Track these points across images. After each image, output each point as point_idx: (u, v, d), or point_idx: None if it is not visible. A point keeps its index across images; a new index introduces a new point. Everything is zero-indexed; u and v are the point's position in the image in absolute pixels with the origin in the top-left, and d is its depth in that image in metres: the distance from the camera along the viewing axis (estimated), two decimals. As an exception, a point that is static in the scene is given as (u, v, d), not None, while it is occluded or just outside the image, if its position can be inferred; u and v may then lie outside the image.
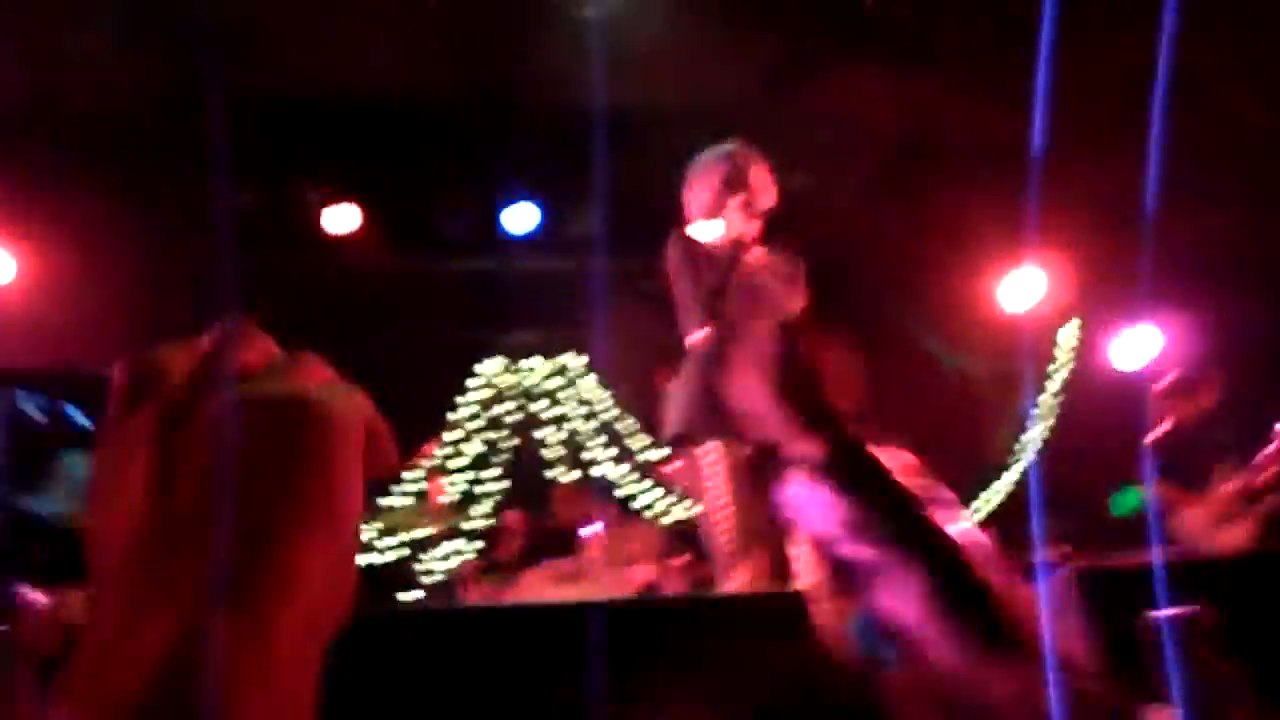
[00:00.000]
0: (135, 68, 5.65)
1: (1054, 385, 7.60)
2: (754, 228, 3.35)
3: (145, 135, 6.01)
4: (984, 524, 7.18)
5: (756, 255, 3.32)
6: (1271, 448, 4.91)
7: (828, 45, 6.18)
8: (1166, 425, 5.11)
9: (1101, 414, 6.50)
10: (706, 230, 3.34)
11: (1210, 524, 4.83)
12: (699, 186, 3.46)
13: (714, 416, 2.97)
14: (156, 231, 6.20)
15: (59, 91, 5.83)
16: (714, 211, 3.39)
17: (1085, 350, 7.55)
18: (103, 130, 5.92)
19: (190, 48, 5.53)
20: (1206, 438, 5.04)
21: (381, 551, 6.72)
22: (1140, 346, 6.87)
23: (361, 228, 6.82)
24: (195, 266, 6.21)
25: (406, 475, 6.34)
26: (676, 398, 3.20)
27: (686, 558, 5.03)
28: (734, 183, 3.36)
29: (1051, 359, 7.63)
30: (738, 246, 3.28)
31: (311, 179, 6.81)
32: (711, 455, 3.14)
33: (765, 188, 3.39)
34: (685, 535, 5.13)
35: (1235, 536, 4.74)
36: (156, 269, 6.17)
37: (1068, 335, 7.64)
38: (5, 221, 5.94)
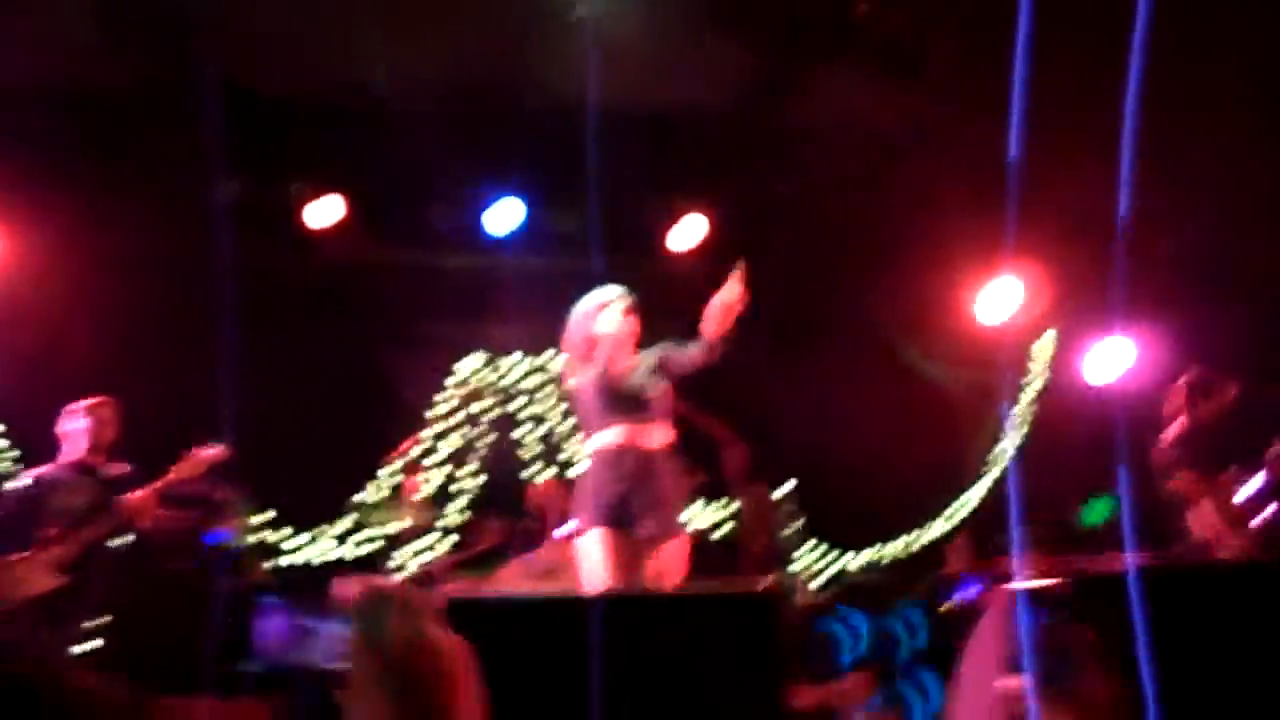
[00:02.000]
0: (121, 56, 5.64)
1: (1029, 396, 7.67)
2: (628, 327, 4.02)
3: (129, 122, 5.99)
4: (956, 531, 7.24)
5: (629, 360, 3.99)
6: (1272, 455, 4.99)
7: (812, 53, 6.21)
8: (1184, 421, 5.16)
9: (1074, 424, 6.58)
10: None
11: (1224, 523, 4.91)
12: (579, 320, 4.07)
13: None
14: (137, 216, 6.18)
15: (44, 78, 5.80)
16: (589, 338, 4.04)
17: (1060, 361, 7.62)
18: (87, 117, 5.90)
19: (178, 37, 5.53)
20: (1224, 435, 5.11)
21: (355, 545, 6.72)
22: (1114, 358, 6.94)
23: (344, 221, 6.80)
24: (176, 252, 6.21)
25: (383, 470, 6.34)
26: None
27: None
28: (610, 304, 4.05)
29: (1027, 370, 7.70)
30: (616, 341, 3.99)
31: (296, 172, 6.80)
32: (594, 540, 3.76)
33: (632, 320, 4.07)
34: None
35: (1239, 542, 4.83)
36: (137, 254, 6.15)
37: (1043, 346, 7.71)
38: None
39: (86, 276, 6.02)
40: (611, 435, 3.85)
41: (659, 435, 3.90)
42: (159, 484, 4.73)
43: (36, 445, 4.97)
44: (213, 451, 4.81)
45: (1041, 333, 7.66)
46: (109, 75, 5.80)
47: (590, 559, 3.75)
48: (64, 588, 4.46)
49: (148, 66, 5.75)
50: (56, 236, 6.00)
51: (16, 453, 6.10)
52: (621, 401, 3.87)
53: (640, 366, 4.00)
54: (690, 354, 3.93)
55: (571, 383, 4.07)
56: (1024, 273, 7.07)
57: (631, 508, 3.74)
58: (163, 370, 5.77)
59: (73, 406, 4.85)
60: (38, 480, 4.76)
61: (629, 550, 3.74)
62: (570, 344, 4.10)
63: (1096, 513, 5.78)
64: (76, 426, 4.81)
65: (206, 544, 5.58)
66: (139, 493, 4.67)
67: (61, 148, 5.83)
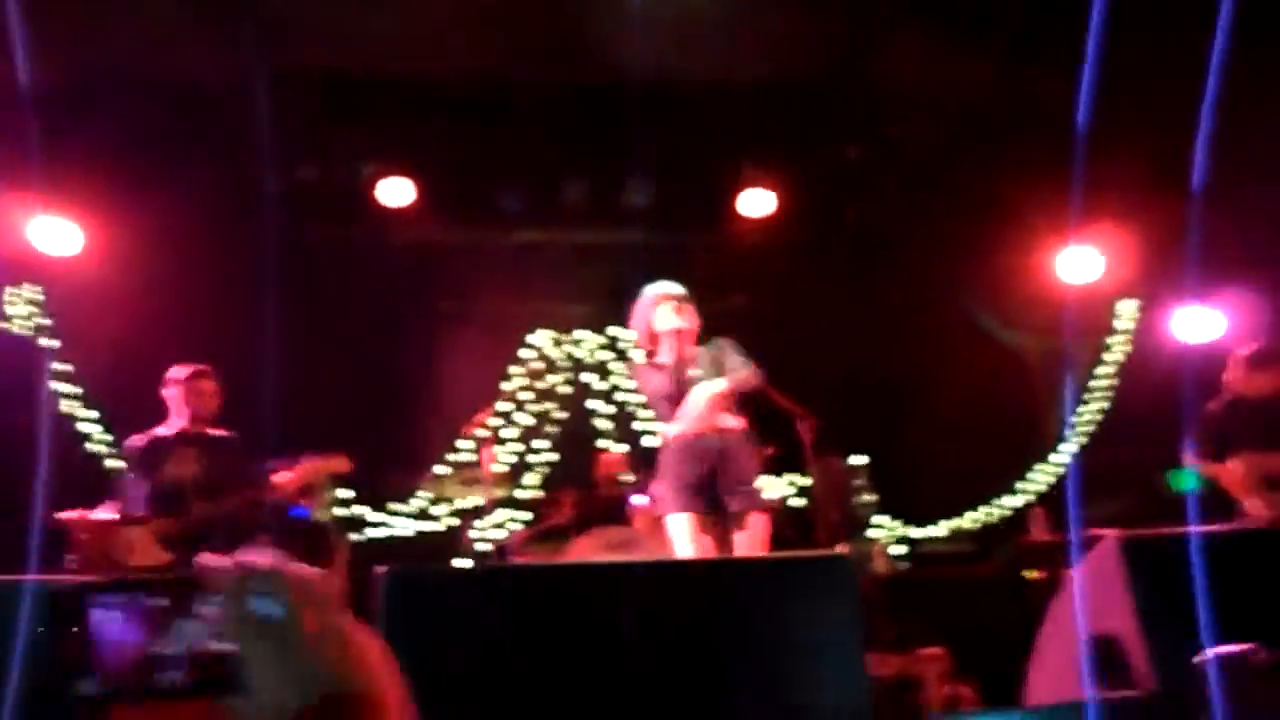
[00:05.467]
0: (200, 45, 5.74)
1: (1111, 363, 7.48)
2: (686, 322, 4.12)
3: (208, 110, 6.11)
4: (1035, 503, 7.11)
5: (690, 352, 4.10)
6: None
7: (889, 19, 6.10)
8: (1233, 394, 5.04)
9: (1158, 392, 6.40)
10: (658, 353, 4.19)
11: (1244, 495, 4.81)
12: (639, 315, 4.20)
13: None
14: (217, 203, 6.32)
15: (124, 69, 5.93)
16: (651, 333, 4.18)
17: (1144, 327, 7.41)
18: (165, 105, 6.03)
19: (251, 25, 5.61)
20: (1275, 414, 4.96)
21: (435, 519, 6.82)
22: (1200, 324, 6.74)
23: (416, 201, 6.88)
24: (254, 237, 6.32)
25: (460, 444, 6.41)
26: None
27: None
28: (666, 298, 4.16)
29: (1108, 336, 7.50)
30: (676, 336, 4.10)
31: (367, 153, 6.88)
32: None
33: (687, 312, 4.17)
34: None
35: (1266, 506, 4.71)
36: (216, 240, 6.29)
37: (1126, 312, 7.50)
38: (74, 195, 6.08)
39: (165, 261, 6.16)
40: (687, 422, 3.95)
41: (731, 419, 3.99)
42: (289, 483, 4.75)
43: (129, 429, 5.03)
44: (335, 464, 4.87)
45: (1121, 299, 7.45)
46: (185, 63, 5.90)
47: (676, 540, 3.86)
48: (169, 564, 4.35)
49: (222, 52, 5.85)
50: (138, 224, 6.15)
51: (110, 437, 6.29)
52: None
53: (704, 360, 4.08)
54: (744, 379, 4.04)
55: (638, 373, 4.20)
56: (1105, 237, 6.89)
57: (713, 489, 3.86)
58: (239, 349, 5.90)
59: (171, 373, 4.83)
60: (152, 442, 4.72)
61: (712, 531, 3.86)
62: (634, 334, 4.23)
63: (1185, 480, 5.62)
64: (173, 395, 4.80)
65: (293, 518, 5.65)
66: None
67: (145, 138, 5.96)
